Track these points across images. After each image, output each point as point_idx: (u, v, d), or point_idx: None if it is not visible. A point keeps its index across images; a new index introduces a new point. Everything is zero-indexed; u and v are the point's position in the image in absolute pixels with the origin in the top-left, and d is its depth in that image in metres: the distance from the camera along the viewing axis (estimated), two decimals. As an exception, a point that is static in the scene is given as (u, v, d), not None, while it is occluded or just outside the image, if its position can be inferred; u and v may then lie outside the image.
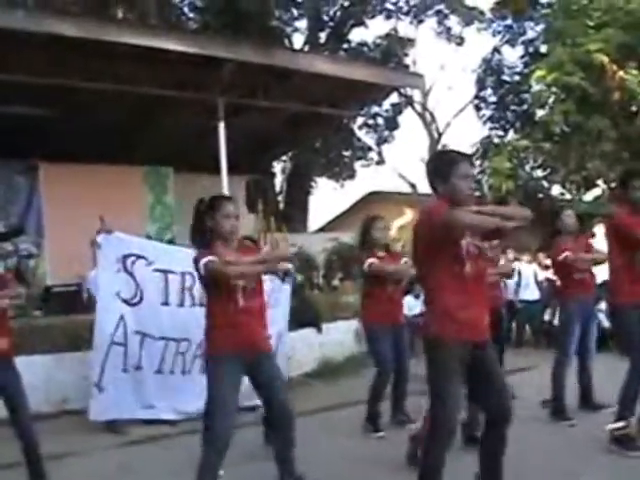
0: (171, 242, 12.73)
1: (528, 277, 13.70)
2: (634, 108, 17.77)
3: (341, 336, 11.22)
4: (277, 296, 8.30)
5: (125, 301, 7.97)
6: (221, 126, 12.22)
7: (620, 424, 6.20)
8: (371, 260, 7.38)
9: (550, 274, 12.33)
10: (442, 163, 4.61)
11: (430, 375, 4.49)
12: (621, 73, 17.54)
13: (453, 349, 4.37)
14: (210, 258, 4.98)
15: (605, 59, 17.56)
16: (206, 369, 5.21)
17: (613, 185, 20.09)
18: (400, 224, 19.68)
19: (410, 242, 4.73)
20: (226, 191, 12.08)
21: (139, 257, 8.00)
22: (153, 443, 7.54)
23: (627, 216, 6.34)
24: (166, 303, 8.14)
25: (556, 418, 7.49)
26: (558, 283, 8.30)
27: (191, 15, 25.29)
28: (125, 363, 7.99)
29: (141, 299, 8.03)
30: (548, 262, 11.83)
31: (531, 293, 13.56)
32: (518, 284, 13.68)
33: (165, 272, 8.14)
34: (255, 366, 5.14)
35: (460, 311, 4.39)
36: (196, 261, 5.08)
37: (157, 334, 8.10)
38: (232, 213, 5.22)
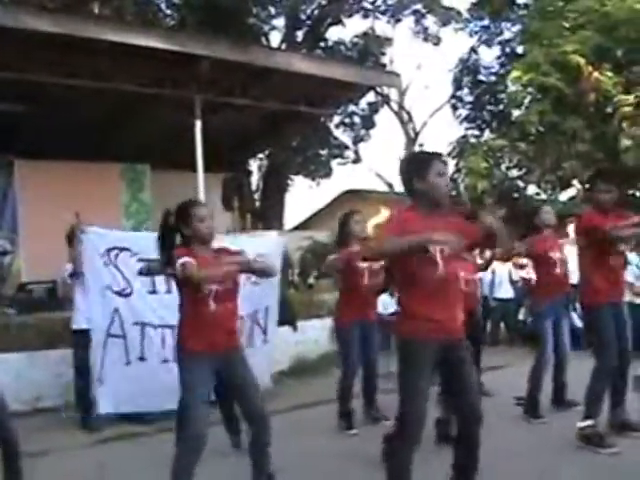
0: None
1: (502, 275, 13.76)
2: (609, 109, 17.90)
3: (316, 334, 11.24)
4: None
5: (117, 293, 7.95)
6: (198, 124, 12.23)
7: (587, 423, 6.29)
8: (334, 256, 7.49)
9: (525, 273, 12.39)
10: (418, 162, 4.65)
11: (400, 372, 4.51)
12: (596, 74, 17.68)
13: (424, 347, 4.41)
14: (187, 260, 4.95)
15: (581, 60, 17.71)
16: (178, 365, 5.20)
17: (587, 185, 20.27)
18: (376, 223, 19.71)
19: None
20: (202, 188, 12.10)
21: (122, 249, 7.98)
22: (128, 440, 7.53)
23: (594, 216, 6.43)
24: (154, 291, 8.12)
25: (529, 416, 7.55)
26: (533, 281, 8.36)
27: (168, 12, 25.17)
28: (127, 356, 7.95)
29: (132, 290, 8.02)
30: (523, 261, 11.90)
31: (505, 292, 13.61)
32: (492, 282, 13.74)
33: (149, 261, 8.14)
34: (227, 367, 5.14)
35: (432, 311, 4.42)
36: (172, 259, 5.06)
37: (154, 322, 8.08)
38: (206, 215, 5.20)
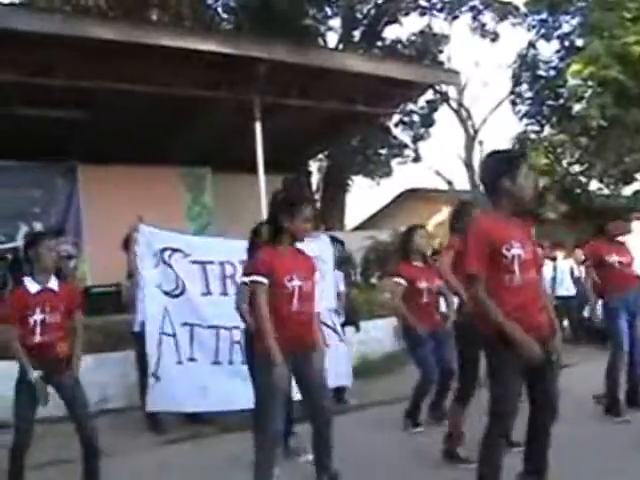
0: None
1: (564, 273, 13.58)
2: (672, 100, 17.60)
3: (379, 334, 11.22)
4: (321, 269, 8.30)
5: (167, 293, 8.02)
6: (257, 125, 12.28)
7: None
8: (397, 280, 7.48)
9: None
10: (508, 161, 4.55)
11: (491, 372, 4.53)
12: (659, 66, 17.37)
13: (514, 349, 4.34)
14: (257, 279, 5.08)
15: (643, 52, 17.41)
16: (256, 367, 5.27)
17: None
18: (437, 221, 19.63)
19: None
20: (263, 190, 12.13)
21: (175, 250, 8.06)
22: (192, 442, 7.57)
23: None
24: (208, 293, 8.16)
25: (610, 414, 7.40)
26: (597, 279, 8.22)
27: (225, 16, 25.36)
28: (178, 355, 8.00)
29: (183, 291, 8.07)
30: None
31: (567, 289, 13.43)
32: (554, 280, 13.56)
33: (203, 263, 8.20)
34: (301, 363, 5.16)
35: (520, 314, 4.37)
36: (245, 268, 5.18)
37: (204, 323, 8.12)
38: (309, 217, 5.22)
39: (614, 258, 7.60)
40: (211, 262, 8.22)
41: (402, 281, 7.45)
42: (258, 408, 5.16)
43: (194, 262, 8.17)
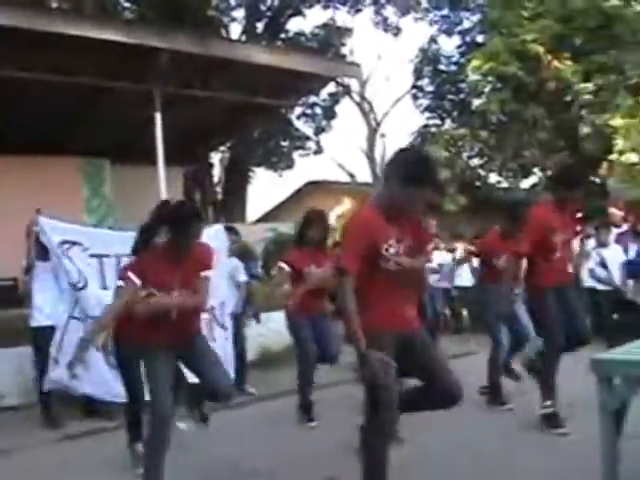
0: (110, 231, 12.60)
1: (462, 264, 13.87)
2: (569, 97, 18.07)
3: (280, 326, 11.23)
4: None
5: (73, 285, 7.89)
6: (158, 116, 12.15)
7: (547, 403, 6.46)
8: (281, 264, 7.65)
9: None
10: (412, 170, 4.35)
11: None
12: (556, 63, 17.84)
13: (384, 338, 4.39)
14: (130, 280, 5.13)
15: (540, 49, 17.88)
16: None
17: (550, 173, 20.48)
18: (338, 213, 19.75)
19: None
20: (163, 182, 12.02)
21: (74, 243, 7.93)
22: (92, 437, 7.47)
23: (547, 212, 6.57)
24: (105, 287, 8.05)
25: (493, 403, 7.64)
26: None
27: (127, 5, 24.98)
28: None
29: (85, 284, 7.95)
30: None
31: (465, 280, 13.70)
32: (453, 271, 13.86)
33: (100, 257, 8.08)
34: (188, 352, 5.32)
35: (387, 304, 4.45)
36: (124, 269, 5.31)
37: None
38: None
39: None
40: (108, 255, 8.11)
41: (285, 266, 7.52)
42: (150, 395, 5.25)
43: (92, 255, 8.05)
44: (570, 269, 6.98)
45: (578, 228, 7.24)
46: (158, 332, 5.14)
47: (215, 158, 26.01)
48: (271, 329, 10.82)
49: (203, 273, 5.34)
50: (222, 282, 8.48)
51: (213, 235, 8.29)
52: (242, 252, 10.12)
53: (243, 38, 25.05)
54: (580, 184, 6.74)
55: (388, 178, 4.50)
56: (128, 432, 6.34)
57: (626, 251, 11.48)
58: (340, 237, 4.63)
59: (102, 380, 7.72)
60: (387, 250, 4.39)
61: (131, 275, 5.12)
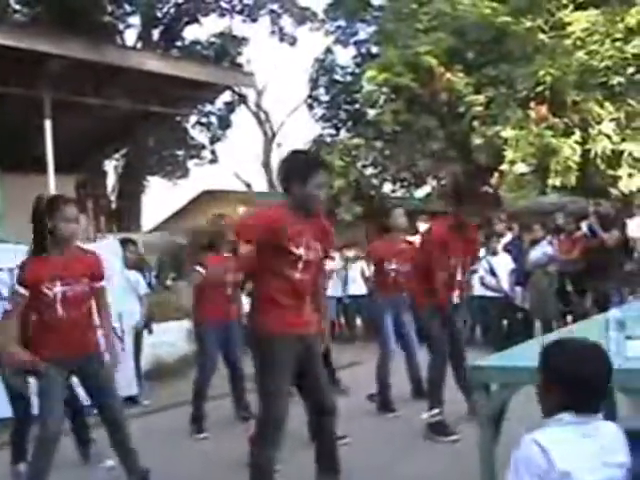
0: (-1, 242, 12.28)
1: (355, 273, 14.00)
2: (461, 109, 18.44)
3: (173, 337, 11.15)
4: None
5: None
6: (47, 123, 11.93)
7: (434, 411, 6.54)
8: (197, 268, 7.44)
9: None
10: (301, 167, 4.55)
11: (259, 372, 4.56)
12: (448, 75, 18.21)
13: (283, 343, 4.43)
14: (19, 291, 4.98)
15: (433, 62, 18.22)
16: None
17: (442, 182, 20.89)
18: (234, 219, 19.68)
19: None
20: (53, 191, 11.80)
21: None
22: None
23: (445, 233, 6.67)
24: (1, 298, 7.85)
25: (382, 411, 7.75)
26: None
27: (17, 7, 24.42)
28: None
29: None
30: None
31: (358, 288, 13.83)
32: (346, 279, 13.99)
33: None
34: (84, 371, 5.14)
35: (287, 308, 4.48)
36: (18, 272, 5.06)
37: None
38: (73, 216, 5.05)
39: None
40: (0, 269, 7.92)
41: (201, 269, 7.46)
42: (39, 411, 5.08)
43: None
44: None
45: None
46: (48, 345, 4.99)
47: (109, 166, 25.69)
48: (165, 340, 10.74)
49: (97, 284, 5.24)
50: (119, 294, 8.37)
51: (107, 248, 8.19)
52: (138, 263, 10.01)
53: (138, 45, 24.79)
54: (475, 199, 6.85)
55: (283, 186, 4.61)
56: (12, 450, 6.16)
57: (515, 259, 11.78)
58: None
59: None
60: (292, 246, 4.43)
61: (18, 287, 5.00)
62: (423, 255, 6.83)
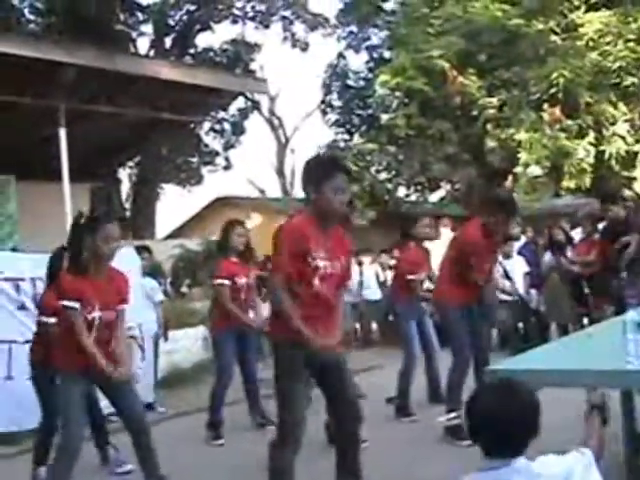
0: (14, 250, 12.34)
1: (369, 278, 13.99)
2: (474, 112, 18.39)
3: (189, 343, 11.16)
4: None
5: None
6: (62, 132, 11.97)
7: (451, 415, 6.55)
8: (220, 281, 7.41)
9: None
10: (318, 172, 4.51)
11: (277, 377, 4.57)
12: (461, 78, 18.16)
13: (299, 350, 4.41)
14: (73, 305, 4.94)
15: (446, 65, 18.16)
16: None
17: (457, 186, 20.85)
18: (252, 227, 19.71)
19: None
20: (68, 199, 11.85)
21: None
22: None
23: (479, 238, 6.64)
24: (23, 307, 7.88)
25: (400, 415, 7.72)
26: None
27: (31, 17, 24.54)
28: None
29: None
30: (392, 263, 12.15)
31: (373, 293, 13.83)
32: (361, 284, 13.98)
33: (15, 280, 7.93)
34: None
35: (306, 318, 4.43)
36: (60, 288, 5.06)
37: (22, 339, 7.79)
38: (115, 236, 5.07)
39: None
40: (23, 279, 7.96)
41: (226, 282, 7.43)
42: (62, 421, 5.12)
43: (6, 279, 7.89)
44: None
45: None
46: (74, 362, 5.01)
47: (123, 174, 25.75)
48: (180, 347, 10.76)
49: (122, 306, 5.25)
50: (139, 303, 8.38)
51: (126, 258, 8.22)
52: (153, 270, 10.04)
53: (151, 53, 24.85)
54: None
55: (306, 191, 4.56)
56: (35, 455, 6.17)
57: (529, 262, 11.74)
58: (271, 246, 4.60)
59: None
60: (314, 259, 4.40)
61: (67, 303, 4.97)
62: (457, 258, 6.83)
